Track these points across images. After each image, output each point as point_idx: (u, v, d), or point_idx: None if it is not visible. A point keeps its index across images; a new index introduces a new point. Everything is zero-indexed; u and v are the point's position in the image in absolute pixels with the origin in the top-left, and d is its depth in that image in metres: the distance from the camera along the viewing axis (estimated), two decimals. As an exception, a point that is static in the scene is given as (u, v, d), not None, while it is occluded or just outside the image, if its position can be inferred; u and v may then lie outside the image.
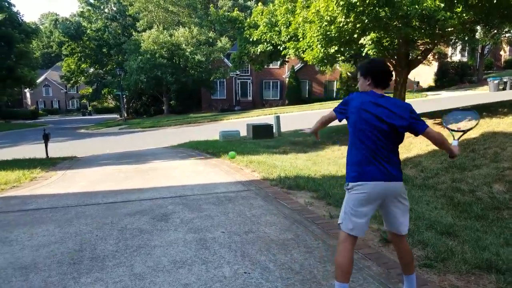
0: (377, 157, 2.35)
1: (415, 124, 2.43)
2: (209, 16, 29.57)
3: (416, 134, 2.49)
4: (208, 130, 18.44)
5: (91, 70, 44.32)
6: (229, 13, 13.50)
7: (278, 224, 3.99)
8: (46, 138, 11.11)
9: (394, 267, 3.00)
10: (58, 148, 13.77)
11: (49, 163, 9.10)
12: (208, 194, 5.26)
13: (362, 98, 2.44)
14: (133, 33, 35.63)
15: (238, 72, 35.59)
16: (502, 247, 3.30)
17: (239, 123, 20.54)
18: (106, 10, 42.30)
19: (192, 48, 30.90)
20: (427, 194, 5.11)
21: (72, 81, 45.80)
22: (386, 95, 2.49)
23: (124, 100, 37.06)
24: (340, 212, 2.46)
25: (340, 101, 2.64)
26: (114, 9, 41.91)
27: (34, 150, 12.85)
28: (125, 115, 35.58)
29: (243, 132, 13.97)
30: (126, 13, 41.03)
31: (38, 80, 52.01)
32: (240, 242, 3.50)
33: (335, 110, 2.58)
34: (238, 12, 13.32)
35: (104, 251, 3.40)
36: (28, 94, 65.16)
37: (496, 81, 24.23)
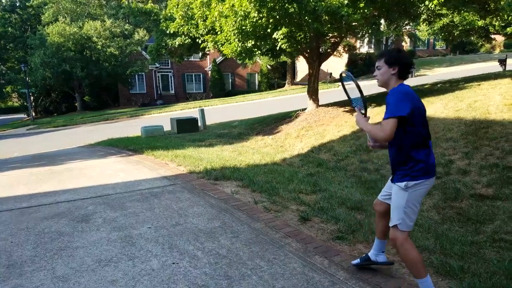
0: (431, 149, 2.34)
1: None
2: (122, 8, 28.06)
3: None
4: (129, 127, 17.68)
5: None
6: (142, 5, 13.00)
7: (206, 214, 4.10)
8: None
9: (310, 241, 3.31)
10: (-49, 155, 12.08)
11: None
12: (132, 191, 5.14)
13: (412, 91, 2.30)
14: (37, 26, 32.33)
15: (157, 65, 34.44)
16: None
17: (162, 118, 20.01)
18: (3, 1, 37.62)
19: (104, 41, 29.03)
20: (339, 175, 5.63)
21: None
22: None
23: (31, 98, 33.59)
24: (395, 213, 2.36)
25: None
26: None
27: None
28: (33, 114, 32.30)
29: (167, 127, 13.69)
30: (27, 4, 36.96)
31: None
32: (168, 235, 3.54)
33: (403, 110, 2.20)
34: (152, 4, 12.89)
35: (21, 257, 3.20)
36: None
37: (375, 73, 27.01)
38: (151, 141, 10.04)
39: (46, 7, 35.60)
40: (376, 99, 10.96)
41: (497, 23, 16.29)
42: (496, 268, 2.71)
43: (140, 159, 7.71)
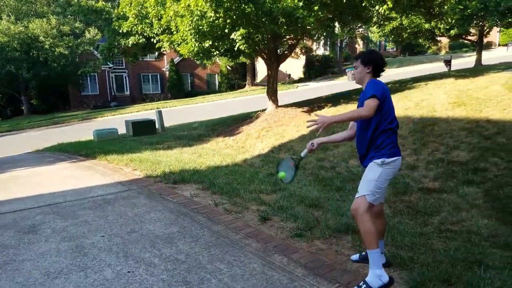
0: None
1: None
2: (71, 6, 26.75)
3: None
4: (81, 130, 16.89)
5: None
6: (93, 2, 12.43)
7: (163, 219, 3.99)
8: None
9: (270, 241, 3.33)
10: None
11: None
12: (83, 199, 4.90)
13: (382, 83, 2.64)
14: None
15: (111, 65, 33.19)
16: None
17: (117, 120, 19.32)
18: None
19: (52, 40, 27.49)
20: (298, 174, 5.68)
21: None
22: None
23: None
24: (365, 186, 2.56)
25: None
26: None
27: None
28: (-27, 119, 29.94)
29: (122, 130, 13.22)
30: None
31: None
32: (122, 243, 3.40)
33: (379, 96, 2.50)
34: (103, 2, 12.37)
35: (-42, 276, 2.93)
36: None
37: (353, 71, 28.01)
38: (104, 145, 9.64)
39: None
40: (331, 100, 11.30)
41: (442, 26, 17.38)
42: (443, 257, 2.86)
43: (92, 164, 7.38)
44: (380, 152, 2.61)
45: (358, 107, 2.69)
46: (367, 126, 2.64)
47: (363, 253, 2.91)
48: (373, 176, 2.57)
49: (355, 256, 2.94)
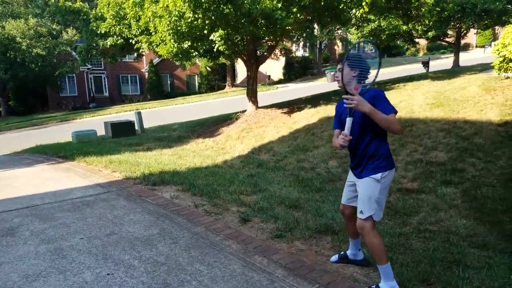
0: None
1: None
2: (48, 6, 26.09)
3: None
4: (60, 132, 16.49)
5: None
6: (70, 3, 12.18)
7: (143, 221, 3.96)
8: None
9: (251, 242, 3.36)
10: None
11: None
12: (62, 201, 4.81)
13: None
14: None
15: (89, 66, 32.53)
16: (336, 212, 3.96)
17: (96, 122, 18.96)
18: None
19: (29, 41, 26.78)
20: (278, 175, 5.76)
21: None
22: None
23: None
24: (367, 206, 2.47)
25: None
26: None
27: None
28: None
29: (101, 131, 12.99)
30: None
31: None
32: (102, 246, 3.37)
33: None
34: (81, 3, 12.14)
35: None
36: None
37: (332, 73, 28.35)
38: (83, 147, 9.45)
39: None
40: (310, 101, 11.42)
41: (419, 28, 17.83)
42: (422, 257, 2.93)
43: (71, 166, 7.23)
44: (379, 162, 2.49)
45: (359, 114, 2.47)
46: (373, 135, 2.51)
47: (342, 252, 2.97)
48: (373, 194, 2.49)
49: (335, 257, 2.98)
